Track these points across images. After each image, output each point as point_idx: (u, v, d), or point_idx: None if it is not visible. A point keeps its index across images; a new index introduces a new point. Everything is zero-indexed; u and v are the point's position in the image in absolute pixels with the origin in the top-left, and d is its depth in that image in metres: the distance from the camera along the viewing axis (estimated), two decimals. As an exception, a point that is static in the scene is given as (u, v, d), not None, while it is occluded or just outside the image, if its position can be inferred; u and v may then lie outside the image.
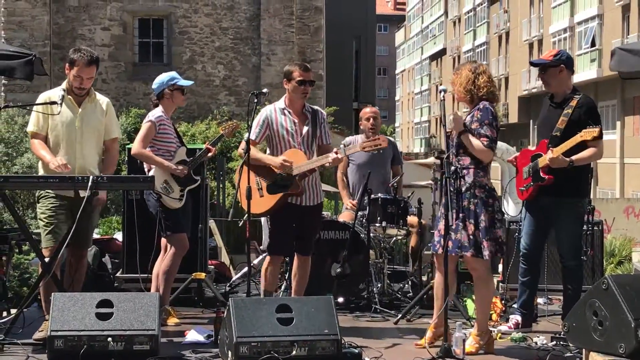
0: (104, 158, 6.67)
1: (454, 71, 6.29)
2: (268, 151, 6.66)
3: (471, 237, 5.92)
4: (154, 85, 7.13)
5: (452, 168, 5.97)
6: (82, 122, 6.46)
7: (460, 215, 5.95)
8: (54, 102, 6.31)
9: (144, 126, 6.97)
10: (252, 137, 6.49)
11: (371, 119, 8.49)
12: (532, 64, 7.16)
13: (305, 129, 6.62)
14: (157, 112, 7.01)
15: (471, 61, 6.38)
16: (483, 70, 6.17)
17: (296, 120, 6.61)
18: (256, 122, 6.58)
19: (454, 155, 6.06)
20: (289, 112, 6.61)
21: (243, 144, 6.43)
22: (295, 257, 6.76)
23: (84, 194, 6.16)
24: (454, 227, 5.95)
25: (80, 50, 6.56)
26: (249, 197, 6.13)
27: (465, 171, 5.97)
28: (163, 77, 7.12)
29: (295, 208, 6.58)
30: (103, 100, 6.65)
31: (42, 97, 6.51)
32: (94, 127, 6.52)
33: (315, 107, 6.89)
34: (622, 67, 7.82)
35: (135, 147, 6.93)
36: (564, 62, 6.65)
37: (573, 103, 6.52)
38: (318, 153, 6.64)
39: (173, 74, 7.20)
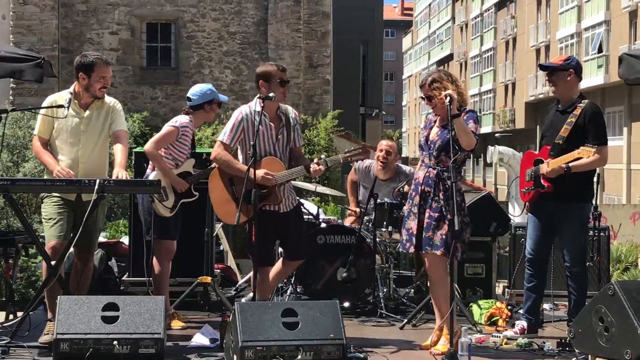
0: (113, 145, 6.65)
1: (432, 86, 6.17)
2: (240, 156, 6.43)
3: (443, 237, 6.00)
4: (193, 95, 6.99)
5: (434, 171, 6.12)
6: (88, 126, 6.47)
7: (436, 215, 6.07)
8: (60, 106, 6.33)
9: (166, 129, 6.86)
10: (227, 141, 6.28)
11: (384, 152, 8.30)
12: (541, 66, 7.13)
13: (280, 133, 6.41)
14: (184, 120, 6.92)
15: (437, 70, 6.45)
16: (455, 77, 6.31)
17: (272, 125, 6.37)
18: (231, 124, 6.29)
19: (433, 158, 6.17)
20: (265, 116, 6.33)
21: (218, 148, 6.32)
22: (282, 262, 6.61)
23: (86, 197, 6.20)
24: (425, 225, 6.11)
25: (90, 54, 6.60)
26: (255, 201, 6.04)
27: (445, 174, 6.07)
28: (204, 89, 7.03)
29: (275, 216, 6.37)
30: (110, 101, 6.66)
31: (48, 100, 6.55)
32: (100, 130, 6.53)
33: (285, 106, 6.58)
34: (630, 74, 7.81)
35: (150, 145, 6.82)
36: (573, 68, 6.66)
37: (577, 111, 6.52)
38: (291, 156, 6.47)
39: (212, 88, 7.10)
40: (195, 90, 7.03)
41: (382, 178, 8.32)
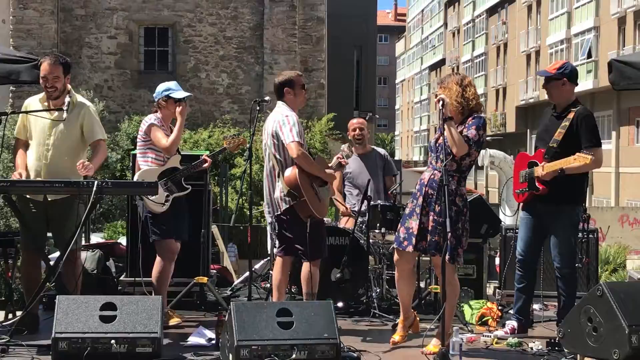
0: (90, 158, 6.65)
1: (440, 85, 6.22)
2: (276, 152, 6.52)
3: (448, 242, 5.90)
4: (155, 95, 7.09)
5: (439, 174, 6.01)
6: (55, 127, 6.48)
7: (440, 219, 5.97)
8: (60, 109, 6.34)
9: (152, 130, 6.89)
10: (302, 140, 6.40)
11: (357, 129, 8.58)
12: (538, 74, 7.11)
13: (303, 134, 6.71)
14: (151, 117, 6.99)
15: (454, 73, 6.38)
16: (469, 82, 6.21)
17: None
18: (296, 125, 6.41)
19: (440, 161, 6.07)
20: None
21: (299, 147, 6.33)
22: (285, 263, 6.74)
23: (51, 197, 6.33)
24: (430, 229, 6.05)
25: (50, 54, 6.67)
26: (250, 202, 6.12)
27: (450, 178, 5.96)
28: (160, 87, 7.06)
29: None
30: (82, 104, 6.63)
31: (26, 104, 6.64)
32: (67, 132, 6.52)
33: None
34: (621, 80, 7.83)
35: (163, 143, 6.85)
36: (567, 76, 6.64)
37: (571, 115, 6.52)
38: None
39: (170, 84, 7.08)
40: (156, 91, 7.10)
41: (360, 152, 8.61)
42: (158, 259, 6.89)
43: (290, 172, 6.42)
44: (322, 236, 6.76)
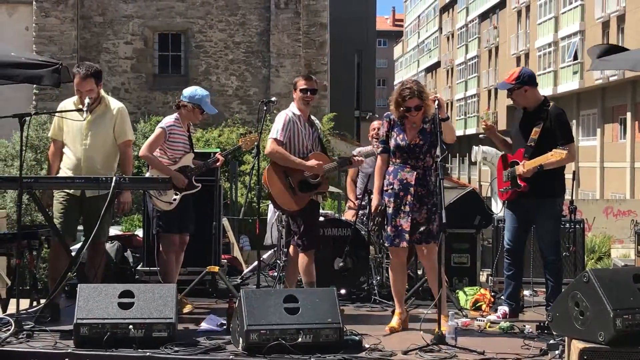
0: (120, 160, 6.69)
1: (422, 96, 6.10)
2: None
3: (437, 228, 6.03)
4: (186, 92, 6.94)
5: (423, 172, 6.16)
6: (90, 128, 6.49)
7: (433, 209, 6.14)
8: (80, 110, 6.34)
9: (155, 132, 6.84)
10: (280, 138, 6.52)
11: (376, 129, 8.49)
12: (497, 88, 7.07)
13: (314, 134, 6.73)
14: (170, 120, 6.88)
15: (413, 81, 6.30)
16: None
17: (307, 125, 6.69)
18: (282, 124, 6.55)
19: (420, 160, 6.18)
20: (301, 118, 6.65)
21: (273, 144, 6.47)
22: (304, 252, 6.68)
23: (90, 193, 6.37)
24: (423, 221, 6.13)
25: (82, 65, 6.61)
26: (258, 196, 6.14)
27: (429, 172, 6.16)
28: (196, 92, 6.94)
29: (316, 204, 6.75)
30: (115, 106, 6.65)
31: (60, 106, 6.61)
32: (102, 132, 6.54)
33: (312, 117, 6.91)
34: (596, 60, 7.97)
35: (143, 150, 6.78)
36: (526, 83, 6.63)
37: (544, 115, 6.54)
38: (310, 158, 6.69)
39: (205, 96, 6.95)
40: (189, 90, 7.00)
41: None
42: (161, 251, 6.88)
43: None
44: (311, 229, 6.63)
